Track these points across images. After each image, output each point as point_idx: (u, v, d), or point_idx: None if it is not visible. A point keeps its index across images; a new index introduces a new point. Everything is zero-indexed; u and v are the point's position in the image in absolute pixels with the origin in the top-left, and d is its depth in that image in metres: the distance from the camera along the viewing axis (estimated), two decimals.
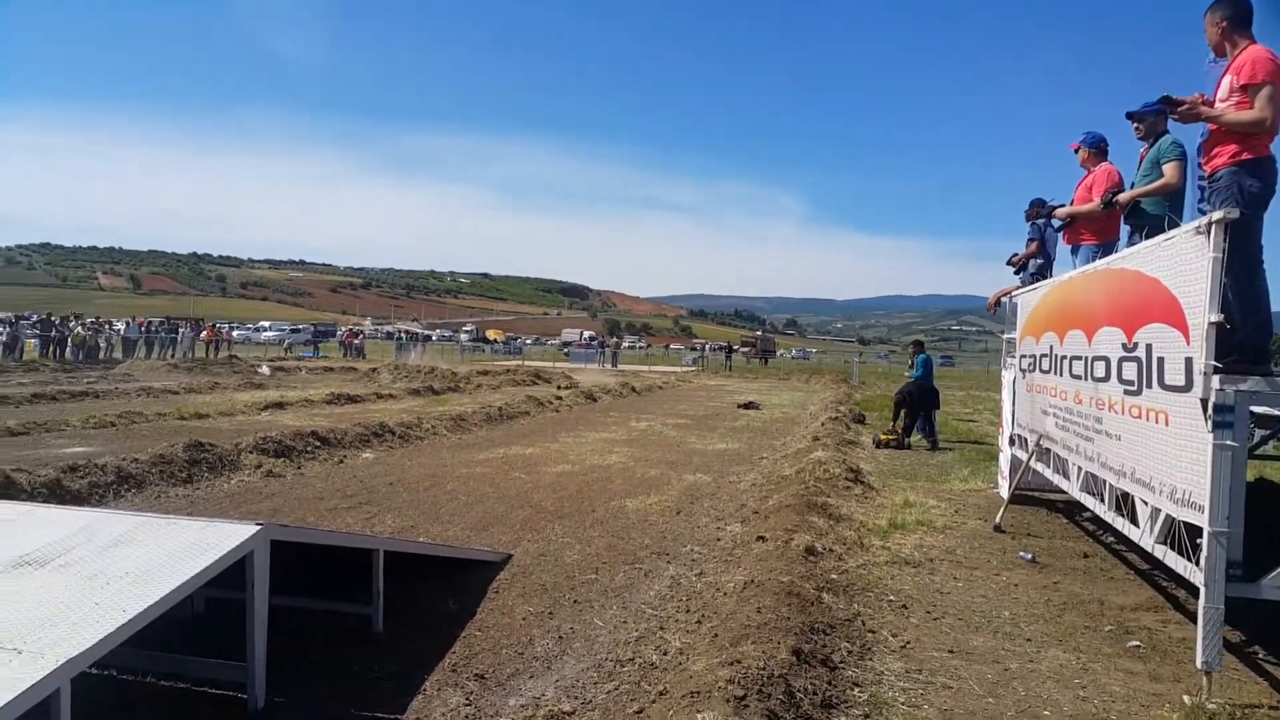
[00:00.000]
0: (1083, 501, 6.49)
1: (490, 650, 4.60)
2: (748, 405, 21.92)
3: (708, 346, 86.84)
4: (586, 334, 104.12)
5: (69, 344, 33.11)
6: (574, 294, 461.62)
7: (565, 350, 66.00)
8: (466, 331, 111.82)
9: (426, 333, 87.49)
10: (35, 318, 40.93)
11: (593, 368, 44.79)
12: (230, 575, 3.68)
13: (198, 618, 4.88)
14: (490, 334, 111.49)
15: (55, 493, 7.73)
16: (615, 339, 66.64)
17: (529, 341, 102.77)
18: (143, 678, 4.06)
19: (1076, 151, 7.81)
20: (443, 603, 5.33)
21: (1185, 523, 4.24)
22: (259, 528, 3.79)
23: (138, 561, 3.53)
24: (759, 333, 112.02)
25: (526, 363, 45.17)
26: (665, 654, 4.52)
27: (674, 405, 22.24)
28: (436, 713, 3.80)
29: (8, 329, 34.28)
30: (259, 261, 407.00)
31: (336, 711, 3.79)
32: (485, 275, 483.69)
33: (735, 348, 66.04)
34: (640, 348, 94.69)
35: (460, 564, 5.98)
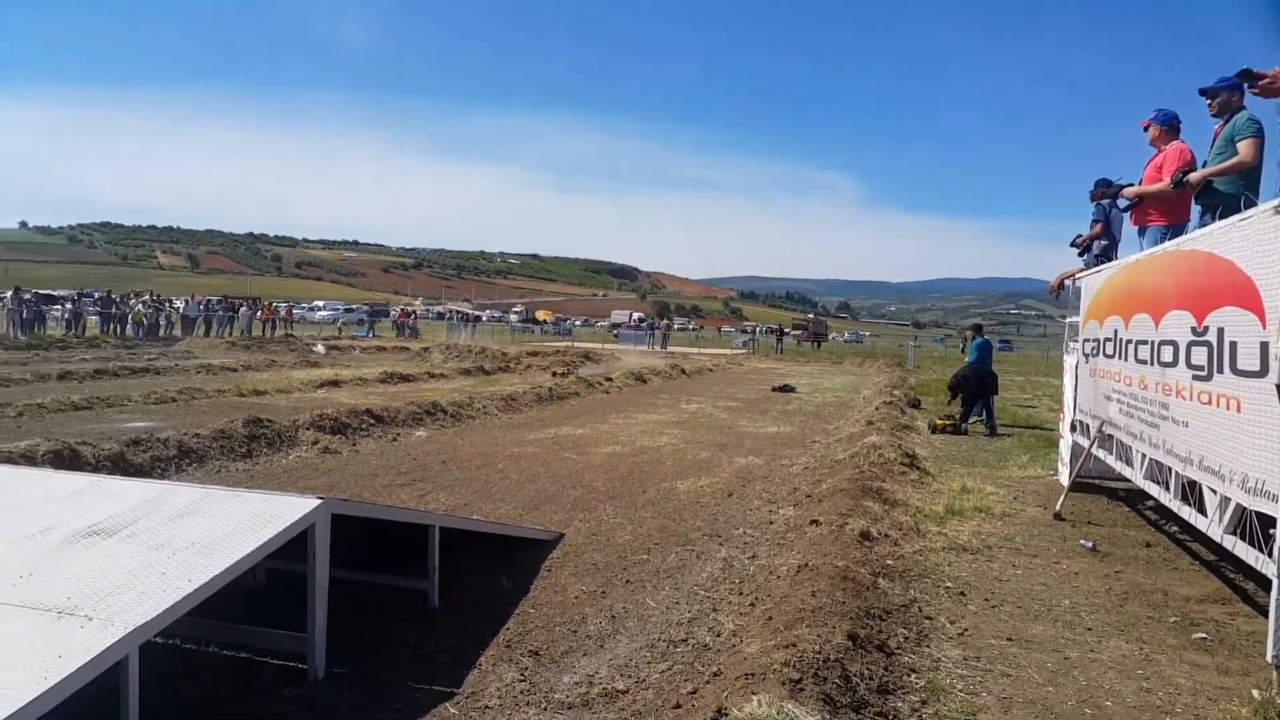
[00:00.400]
0: (1146, 489, 6.34)
1: (544, 627, 4.63)
2: (783, 389, 21.61)
3: (758, 329, 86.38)
4: (636, 315, 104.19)
5: (129, 321, 33.97)
6: (623, 275, 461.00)
7: (614, 332, 66.05)
8: (516, 312, 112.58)
9: (477, 313, 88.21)
10: (97, 295, 41.98)
11: (642, 349, 44.81)
12: (290, 548, 3.74)
13: (259, 589, 4.97)
14: (539, 315, 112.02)
15: (119, 466, 7.93)
16: (665, 321, 66.49)
17: (578, 323, 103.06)
18: (206, 647, 4.15)
19: (1146, 129, 7.58)
20: (496, 579, 5.37)
21: (1257, 512, 4.12)
22: (320, 501, 3.84)
23: (203, 532, 3.60)
24: (811, 315, 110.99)
25: (576, 344, 45.34)
26: (719, 635, 4.50)
27: (724, 388, 22.17)
28: (492, 687, 3.82)
29: (70, 306, 35.21)
30: (313, 242, 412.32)
31: (394, 683, 3.84)
32: (534, 256, 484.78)
33: (786, 330, 65.55)
34: (691, 330, 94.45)
35: (513, 542, 6.03)
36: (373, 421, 11.49)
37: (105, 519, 3.83)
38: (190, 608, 3.18)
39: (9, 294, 31.55)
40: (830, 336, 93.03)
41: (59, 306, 35.82)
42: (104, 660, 2.79)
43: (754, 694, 3.28)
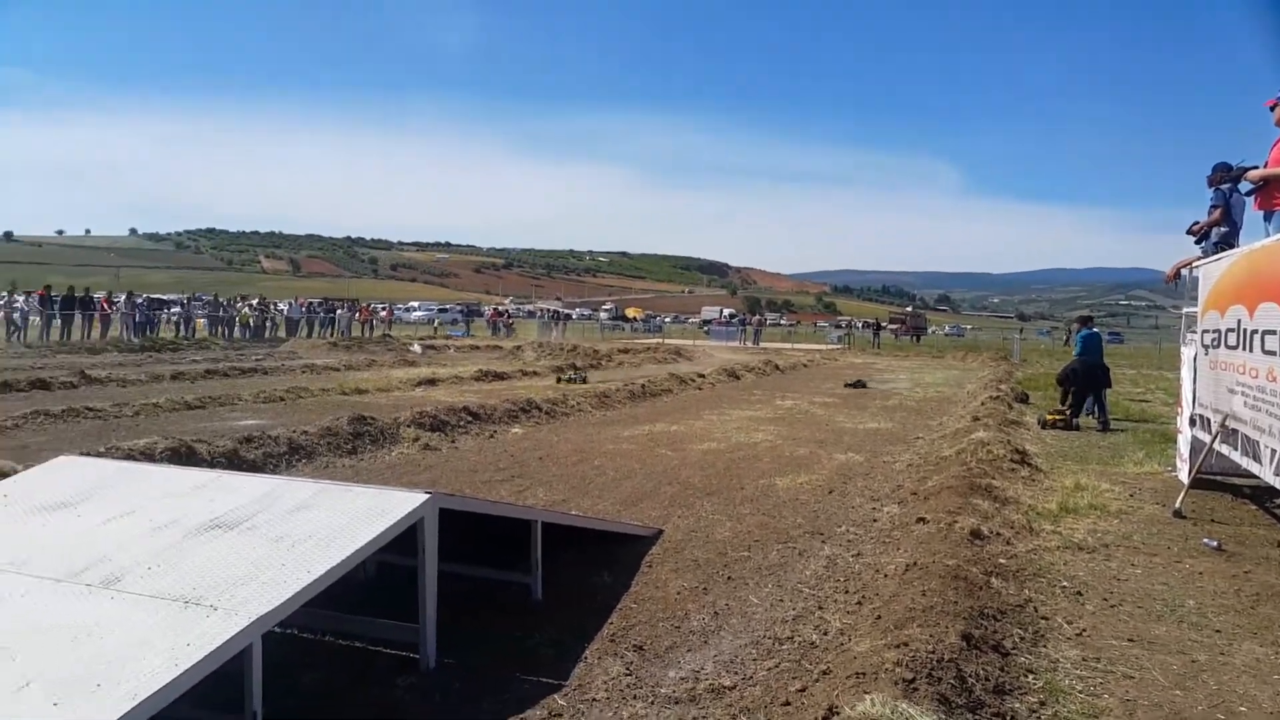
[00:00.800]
0: (1277, 486, 6.00)
1: (647, 623, 4.62)
2: (856, 384, 20.95)
3: (854, 323, 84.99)
4: (726, 311, 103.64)
5: (236, 323, 35.37)
6: (712, 271, 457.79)
7: (705, 328, 65.77)
8: (606, 310, 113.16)
9: (567, 311, 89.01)
10: (205, 299, 43.77)
11: (733, 345, 44.54)
12: (398, 541, 3.82)
13: (369, 581, 5.10)
14: (629, 312, 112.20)
15: (232, 462, 8.22)
16: (757, 316, 65.97)
17: (668, 319, 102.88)
18: (321, 636, 4.27)
19: (1273, 109, 7.17)
20: (597, 574, 5.37)
21: None
22: (429, 496, 3.92)
23: (319, 525, 3.70)
24: (909, 309, 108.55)
25: (667, 340, 45.36)
26: (825, 634, 4.43)
27: (820, 384, 21.83)
28: (599, 680, 3.84)
29: (180, 309, 36.82)
30: (407, 244, 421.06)
31: (502, 675, 3.89)
32: (623, 254, 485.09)
33: (883, 324, 64.22)
34: (784, 325, 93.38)
35: (613, 537, 6.03)
36: (470, 419, 11.69)
37: (226, 512, 3.97)
38: (309, 598, 3.27)
39: (122, 299, 33.17)
40: (930, 330, 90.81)
41: (168, 310, 37.45)
42: (229, 649, 2.88)
43: (866, 693, 3.21)
